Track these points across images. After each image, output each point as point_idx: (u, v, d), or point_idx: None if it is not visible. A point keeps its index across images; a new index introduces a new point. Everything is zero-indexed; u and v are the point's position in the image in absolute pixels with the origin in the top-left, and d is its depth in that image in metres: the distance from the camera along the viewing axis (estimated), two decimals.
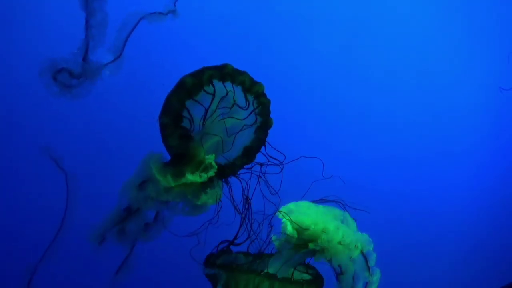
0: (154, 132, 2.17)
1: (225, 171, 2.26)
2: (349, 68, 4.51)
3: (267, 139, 2.27)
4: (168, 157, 2.18)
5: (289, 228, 2.25)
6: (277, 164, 2.28)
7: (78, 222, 2.18)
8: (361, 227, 2.35)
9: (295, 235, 2.25)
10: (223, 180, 2.28)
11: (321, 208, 2.35)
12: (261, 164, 2.28)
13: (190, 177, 2.09)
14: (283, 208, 2.29)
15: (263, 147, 2.28)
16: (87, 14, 2.06)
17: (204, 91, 2.15)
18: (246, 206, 2.29)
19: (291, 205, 2.31)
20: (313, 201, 2.37)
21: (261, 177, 2.29)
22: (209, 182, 2.18)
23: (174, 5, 2.13)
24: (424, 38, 4.67)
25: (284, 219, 2.27)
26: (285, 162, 2.27)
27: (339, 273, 2.27)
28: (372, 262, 2.29)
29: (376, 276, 2.31)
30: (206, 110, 2.19)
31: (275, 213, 2.28)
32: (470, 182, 4.85)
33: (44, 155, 2.17)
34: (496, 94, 4.16)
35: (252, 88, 2.23)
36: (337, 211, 2.37)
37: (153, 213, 2.24)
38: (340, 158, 4.30)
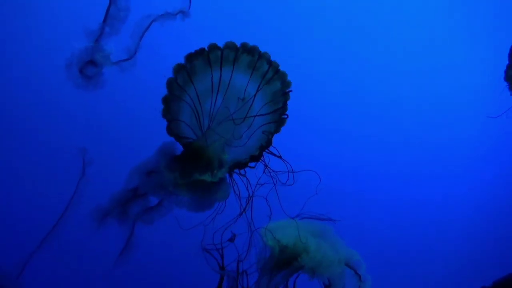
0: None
1: (232, 168, 2.27)
2: (345, 77, 4.56)
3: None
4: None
5: (272, 247, 2.29)
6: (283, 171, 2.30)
7: (85, 207, 2.24)
8: (357, 234, 2.36)
9: (278, 253, 2.28)
10: (231, 175, 2.28)
11: (303, 224, 2.36)
12: (274, 171, 2.29)
13: (198, 177, 2.10)
14: (266, 227, 2.31)
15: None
16: (111, 3, 2.12)
17: (211, 72, 2.11)
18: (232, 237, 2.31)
19: (274, 224, 2.33)
20: (301, 217, 2.39)
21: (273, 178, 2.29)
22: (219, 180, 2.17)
23: (188, 8, 2.17)
24: (418, 52, 4.69)
25: (266, 238, 2.30)
26: (280, 172, 2.29)
27: (327, 285, 2.29)
28: (361, 270, 2.31)
29: (367, 283, 2.34)
30: (215, 98, 2.19)
31: (258, 231, 2.31)
32: (467, 190, 4.87)
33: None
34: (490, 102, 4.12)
35: (279, 73, 2.17)
36: (319, 226, 2.38)
37: (157, 199, 2.26)
38: (334, 169, 4.35)
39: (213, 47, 2.13)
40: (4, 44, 3.61)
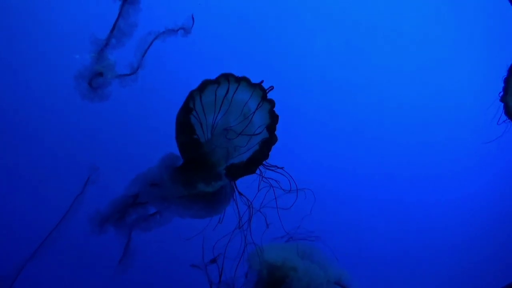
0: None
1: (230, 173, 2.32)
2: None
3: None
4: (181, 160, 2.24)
5: (261, 269, 2.32)
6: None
7: (82, 214, 2.25)
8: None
9: (267, 275, 2.32)
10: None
11: (291, 246, 2.41)
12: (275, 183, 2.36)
13: (202, 187, 2.18)
14: (255, 249, 2.33)
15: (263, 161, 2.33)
16: (119, 16, 2.18)
17: (215, 95, 2.25)
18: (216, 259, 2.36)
19: (264, 245, 2.36)
20: (293, 235, 2.43)
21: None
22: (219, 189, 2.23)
23: (192, 25, 2.26)
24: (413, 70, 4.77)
25: (255, 260, 2.33)
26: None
27: None
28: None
29: None
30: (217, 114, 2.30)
31: (249, 253, 2.34)
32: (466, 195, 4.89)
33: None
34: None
35: (264, 101, 2.33)
36: (308, 247, 2.42)
37: (157, 208, 2.28)
38: (330, 178, 4.39)
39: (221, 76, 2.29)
40: (9, 52, 3.68)
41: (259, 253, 2.33)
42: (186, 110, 2.22)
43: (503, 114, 2.96)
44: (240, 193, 2.35)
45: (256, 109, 2.36)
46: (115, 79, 2.24)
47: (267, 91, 2.34)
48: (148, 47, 2.22)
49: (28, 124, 3.62)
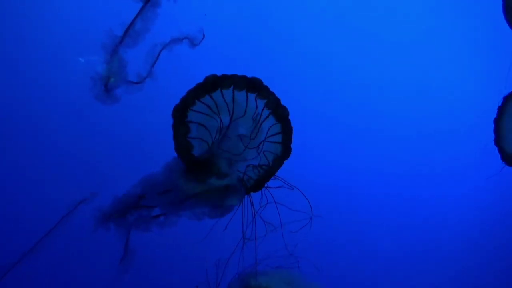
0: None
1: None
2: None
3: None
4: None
5: None
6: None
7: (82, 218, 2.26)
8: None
9: None
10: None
11: (277, 272, 2.45)
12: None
13: (214, 182, 2.19)
14: (242, 274, 2.39)
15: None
16: (134, 21, 2.18)
17: (221, 93, 2.21)
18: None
19: (250, 271, 2.41)
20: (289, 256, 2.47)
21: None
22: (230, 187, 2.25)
23: (202, 37, 2.29)
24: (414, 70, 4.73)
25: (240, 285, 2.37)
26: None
27: None
28: None
29: None
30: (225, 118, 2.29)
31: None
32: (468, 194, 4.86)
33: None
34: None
35: (278, 109, 2.25)
36: (294, 275, 2.46)
37: (162, 210, 2.28)
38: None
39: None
40: (11, 53, 3.72)
41: (245, 279, 2.37)
42: (184, 107, 2.21)
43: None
44: (253, 209, 2.37)
45: (261, 116, 2.30)
46: (123, 83, 2.25)
47: None
48: (158, 55, 2.23)
49: (33, 123, 3.69)
